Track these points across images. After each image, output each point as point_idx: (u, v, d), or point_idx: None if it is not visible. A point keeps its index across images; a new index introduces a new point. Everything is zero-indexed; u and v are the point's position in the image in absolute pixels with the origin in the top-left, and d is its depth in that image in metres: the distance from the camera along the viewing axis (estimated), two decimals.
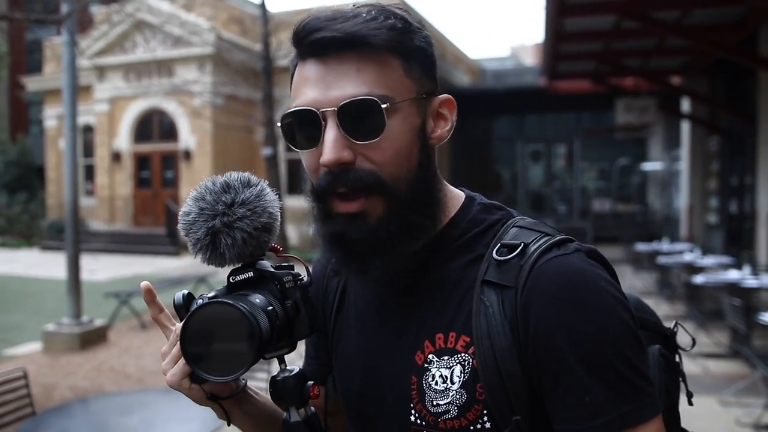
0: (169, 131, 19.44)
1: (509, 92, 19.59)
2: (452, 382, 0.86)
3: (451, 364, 0.87)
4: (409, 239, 0.89)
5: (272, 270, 0.93)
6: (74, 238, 7.43)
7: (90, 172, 21.06)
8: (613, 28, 9.25)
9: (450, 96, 0.95)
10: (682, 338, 0.89)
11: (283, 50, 13.00)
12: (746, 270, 7.10)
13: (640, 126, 15.43)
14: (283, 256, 0.99)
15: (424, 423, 0.88)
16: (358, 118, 0.84)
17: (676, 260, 9.26)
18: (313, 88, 0.86)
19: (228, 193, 0.90)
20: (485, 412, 0.84)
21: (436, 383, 0.87)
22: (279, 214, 0.94)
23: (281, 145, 14.47)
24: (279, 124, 0.91)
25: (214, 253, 0.90)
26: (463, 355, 0.86)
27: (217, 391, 0.91)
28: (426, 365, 0.89)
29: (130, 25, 19.04)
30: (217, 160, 18.38)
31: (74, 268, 7.39)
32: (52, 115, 22.56)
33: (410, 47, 0.88)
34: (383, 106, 0.84)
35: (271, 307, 0.87)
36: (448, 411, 0.86)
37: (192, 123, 18.54)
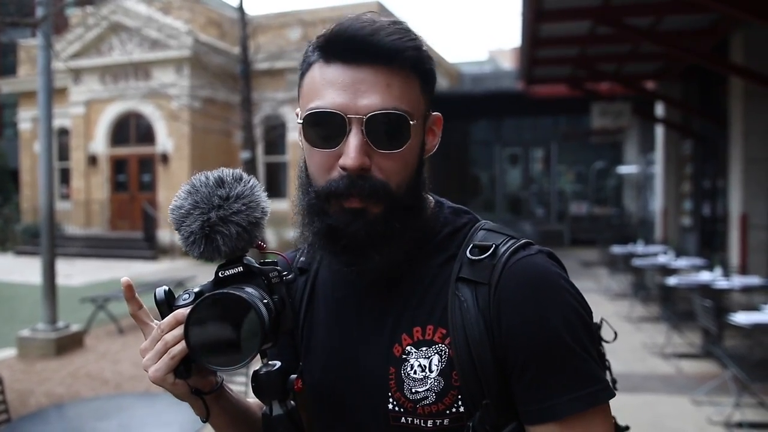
0: (146, 134, 19.26)
1: (487, 96, 19.70)
2: (430, 371, 0.93)
3: (429, 354, 0.94)
4: (403, 236, 0.95)
5: (259, 266, 0.94)
6: (50, 243, 7.35)
7: (65, 176, 20.78)
8: (588, 34, 9.38)
9: (440, 114, 1.03)
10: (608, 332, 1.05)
11: (262, 54, 12.97)
12: (718, 272, 7.23)
13: (616, 130, 15.61)
14: (267, 252, 1.02)
15: (402, 410, 0.94)
16: (384, 129, 0.91)
17: (651, 262, 9.40)
18: (340, 92, 0.90)
19: (222, 188, 0.92)
20: (459, 397, 0.92)
21: (415, 372, 0.94)
22: (269, 210, 0.96)
23: (259, 148, 14.43)
24: (300, 121, 0.95)
25: (208, 247, 0.91)
26: (440, 345, 0.93)
27: (200, 386, 0.92)
28: (404, 356, 0.95)
29: (107, 28, 18.84)
30: (194, 164, 18.24)
31: (50, 272, 7.31)
32: (26, 118, 22.25)
33: (427, 68, 0.96)
34: (412, 122, 0.92)
35: (266, 300, 0.90)
36: (427, 397, 0.93)
37: (169, 126, 18.40)
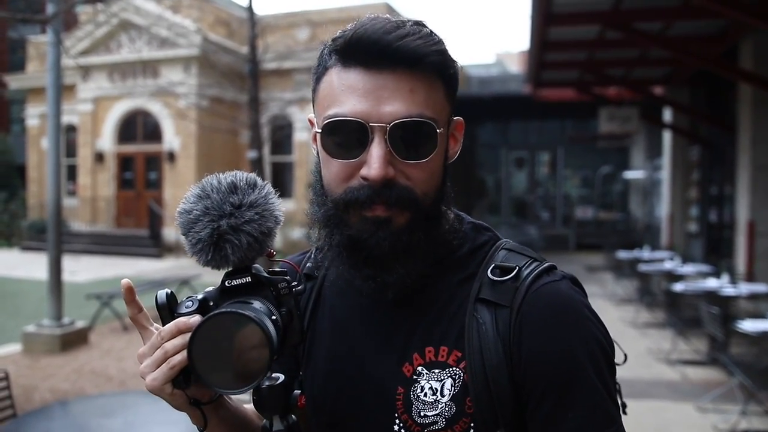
0: (153, 132, 19.32)
1: (494, 99, 19.67)
2: (442, 395, 0.88)
3: (441, 378, 0.89)
4: (428, 249, 0.91)
5: (268, 276, 0.90)
6: (56, 239, 7.37)
7: (72, 172, 20.86)
8: (597, 38, 9.36)
9: (462, 119, 0.99)
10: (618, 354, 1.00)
11: (270, 53, 12.98)
12: (725, 278, 7.20)
13: (623, 135, 15.59)
14: (276, 261, 0.98)
15: None
16: (409, 137, 0.86)
17: (657, 268, 9.37)
18: (361, 99, 0.85)
19: (235, 194, 0.86)
20: (472, 424, 0.87)
21: (425, 395, 0.89)
22: (282, 218, 0.91)
23: (266, 148, 14.44)
24: (318, 130, 0.90)
25: (216, 255, 0.85)
26: (454, 369, 0.89)
27: (198, 396, 0.88)
28: (415, 377, 0.91)
29: (116, 25, 18.91)
30: (201, 163, 18.29)
31: (56, 269, 7.33)
32: (34, 114, 22.34)
33: (452, 72, 0.92)
34: (438, 131, 0.88)
35: (274, 317, 0.85)
36: (436, 422, 0.88)
37: (176, 124, 18.44)
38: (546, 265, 0.92)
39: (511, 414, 0.86)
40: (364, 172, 0.86)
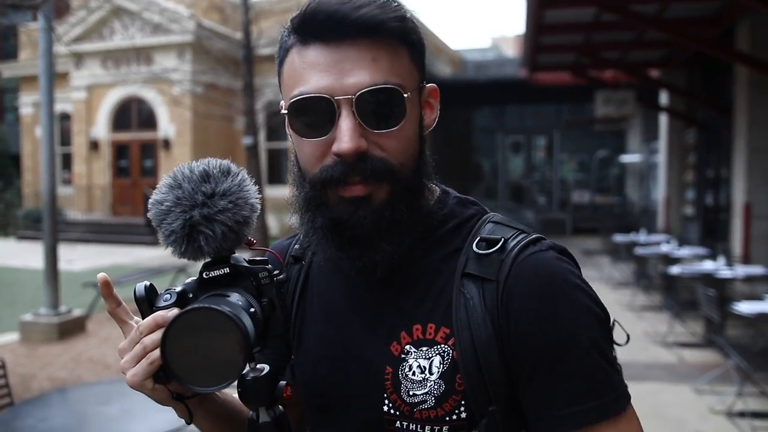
0: (148, 120, 19.23)
1: (490, 83, 19.63)
2: (431, 373, 0.86)
3: (429, 355, 0.87)
4: (411, 222, 0.89)
5: (247, 266, 0.87)
6: (52, 228, 7.35)
7: (67, 161, 20.77)
8: (593, 21, 9.31)
9: (435, 85, 0.96)
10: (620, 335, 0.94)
11: (264, 39, 12.90)
12: (721, 261, 7.22)
13: (619, 118, 15.59)
14: (256, 250, 0.95)
15: (398, 413, 0.88)
16: (377, 107, 0.84)
17: (653, 251, 9.39)
18: (324, 74, 0.84)
19: (208, 183, 0.84)
20: (463, 402, 0.85)
21: (414, 373, 0.87)
22: (259, 205, 0.89)
23: (262, 134, 14.39)
24: (285, 111, 0.88)
25: (189, 247, 0.84)
26: (442, 346, 0.87)
27: (181, 390, 0.85)
28: (402, 356, 0.89)
29: (108, 12, 18.77)
30: (196, 149, 18.23)
31: (52, 257, 7.31)
32: (27, 103, 22.20)
33: (415, 37, 0.89)
34: (405, 95, 0.85)
35: (252, 309, 0.83)
36: (425, 401, 0.86)
37: (171, 111, 18.36)
38: (533, 236, 0.90)
39: (503, 390, 0.84)
40: (335, 147, 0.84)
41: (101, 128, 19.64)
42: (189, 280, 0.89)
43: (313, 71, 0.84)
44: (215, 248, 0.84)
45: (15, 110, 25.55)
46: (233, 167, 0.87)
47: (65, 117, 20.37)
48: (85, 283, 8.93)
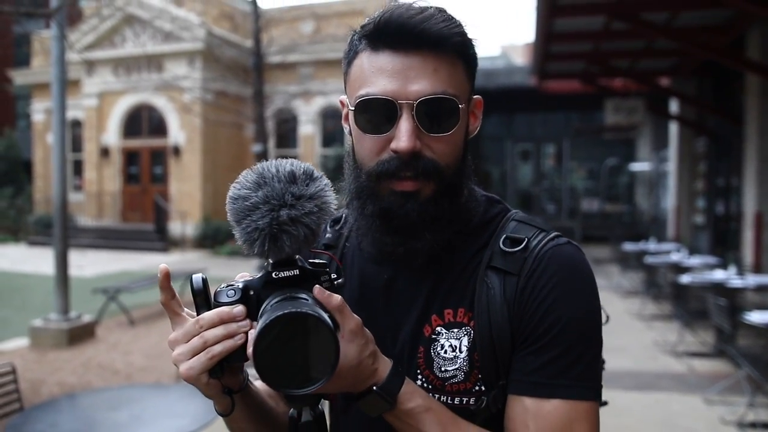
0: (159, 127, 19.34)
1: (499, 91, 19.58)
2: (461, 351, 0.98)
3: (459, 336, 0.98)
4: (452, 217, 0.99)
5: (313, 269, 0.88)
6: (62, 234, 7.39)
7: (78, 167, 20.92)
8: (602, 29, 9.31)
9: (480, 97, 1.06)
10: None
11: (274, 47, 12.96)
12: (732, 270, 7.17)
13: (629, 126, 15.50)
14: (317, 252, 1.00)
15: (431, 387, 0.99)
16: (434, 113, 0.94)
17: (663, 260, 9.34)
18: (391, 79, 0.93)
19: (295, 184, 0.85)
20: (480, 376, 0.97)
21: (445, 352, 0.98)
22: (335, 213, 0.91)
23: (271, 141, 14.44)
24: (351, 108, 0.97)
25: (271, 246, 0.84)
26: (467, 327, 0.98)
27: (231, 385, 0.90)
28: (434, 336, 0.99)
29: (120, 20, 18.92)
30: (206, 157, 18.32)
31: (62, 263, 7.35)
32: (39, 109, 22.39)
33: (472, 53, 1.00)
34: (460, 106, 0.96)
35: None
36: (456, 376, 0.98)
37: (181, 119, 18.45)
38: (552, 234, 1.01)
39: (509, 366, 0.96)
40: (393, 145, 0.94)
41: (112, 135, 19.76)
42: (248, 276, 0.89)
43: (381, 75, 0.94)
44: (295, 249, 0.85)
45: (27, 117, 25.77)
46: (316, 171, 0.90)
47: (76, 124, 20.52)
48: (95, 288, 8.98)
